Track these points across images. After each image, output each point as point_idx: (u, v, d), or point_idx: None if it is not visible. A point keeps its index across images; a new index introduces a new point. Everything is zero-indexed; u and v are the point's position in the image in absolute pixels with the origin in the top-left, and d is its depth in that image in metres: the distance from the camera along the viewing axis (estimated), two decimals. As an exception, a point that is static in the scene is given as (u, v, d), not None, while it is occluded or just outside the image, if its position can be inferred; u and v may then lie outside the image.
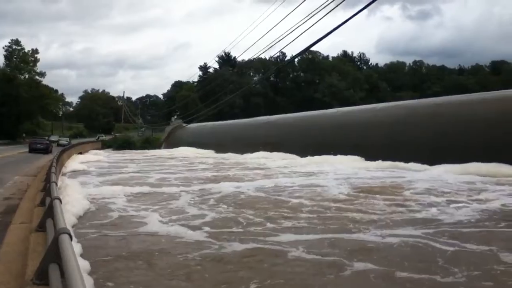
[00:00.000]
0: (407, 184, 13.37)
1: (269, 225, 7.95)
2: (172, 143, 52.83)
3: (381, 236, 7.04)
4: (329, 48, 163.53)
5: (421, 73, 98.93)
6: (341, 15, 64.27)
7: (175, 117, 69.03)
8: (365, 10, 11.88)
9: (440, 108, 23.08)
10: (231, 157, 31.74)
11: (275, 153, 30.25)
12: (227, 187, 13.21)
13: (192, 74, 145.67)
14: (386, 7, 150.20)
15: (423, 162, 19.16)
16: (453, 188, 12.47)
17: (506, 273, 5.21)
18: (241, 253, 6.18)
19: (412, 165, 19.35)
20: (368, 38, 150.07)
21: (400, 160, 20.20)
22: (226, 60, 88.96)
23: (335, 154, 24.38)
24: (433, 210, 9.20)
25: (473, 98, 23.58)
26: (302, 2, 15.12)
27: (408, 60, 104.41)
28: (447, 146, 19.87)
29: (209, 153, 38.43)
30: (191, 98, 76.08)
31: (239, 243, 6.63)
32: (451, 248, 6.27)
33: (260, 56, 54.34)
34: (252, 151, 32.63)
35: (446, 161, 18.08)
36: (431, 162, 18.77)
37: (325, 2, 12.38)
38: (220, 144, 40.22)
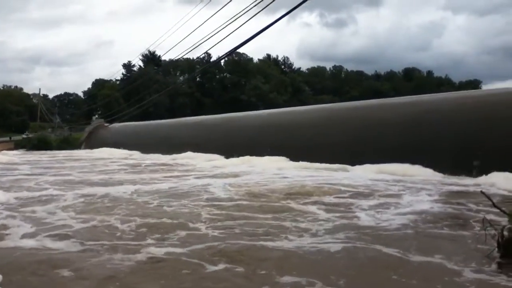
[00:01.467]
0: (327, 184, 14.09)
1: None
2: (93, 144, 50.69)
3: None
4: (254, 51, 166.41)
5: (341, 77, 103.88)
6: (264, 19, 65.62)
7: (96, 116, 66.20)
8: (286, 16, 12.30)
9: (358, 111, 24.62)
10: (155, 158, 31.23)
11: (201, 154, 30.27)
12: (113, 190, 12.78)
13: (114, 72, 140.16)
14: (306, 14, 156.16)
15: (344, 163, 20.35)
16: (371, 188, 13.41)
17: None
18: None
19: (334, 166, 20.46)
20: (290, 43, 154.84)
21: (323, 161, 21.23)
22: (150, 58, 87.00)
23: (260, 155, 24.94)
24: (354, 209, 9.87)
25: (388, 102, 25.44)
26: (225, 5, 15.34)
27: (328, 66, 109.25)
28: (366, 148, 21.22)
29: (134, 153, 37.45)
30: (114, 97, 73.46)
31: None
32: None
33: (186, 57, 53.94)
34: (178, 152, 32.42)
35: (365, 162, 19.38)
36: (352, 163, 19.97)
37: (248, 7, 12.75)
38: (146, 145, 39.37)
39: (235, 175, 17.75)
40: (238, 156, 26.41)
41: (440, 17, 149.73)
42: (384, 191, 12.47)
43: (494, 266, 5.60)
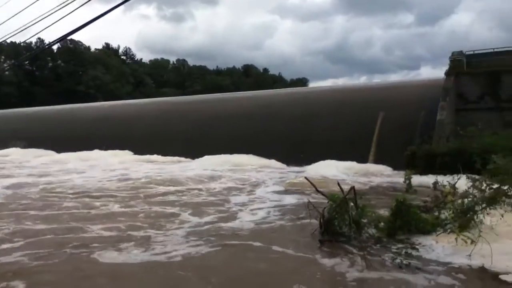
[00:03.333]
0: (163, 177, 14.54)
1: None
2: None
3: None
4: (91, 40, 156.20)
5: (184, 71, 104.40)
6: (100, 7, 62.28)
7: None
8: (122, 6, 12.25)
9: (201, 105, 25.59)
10: None
11: (29, 150, 27.75)
12: None
13: None
14: (143, 6, 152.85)
15: (187, 156, 21.04)
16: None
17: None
18: None
19: (175, 158, 20.98)
20: (129, 34, 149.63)
21: (168, 154, 21.59)
22: (-35, 40, 74.90)
23: (100, 148, 24.08)
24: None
25: (227, 97, 26.95)
26: None
27: (168, 59, 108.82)
28: (207, 140, 22.20)
29: None
30: None
31: None
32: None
33: (12, 40, 48.09)
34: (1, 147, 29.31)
35: (206, 154, 20.36)
36: (194, 156, 20.74)
37: None
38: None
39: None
40: (74, 151, 24.97)
41: (270, 19, 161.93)
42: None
43: (316, 242, 6.68)
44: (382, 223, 7.07)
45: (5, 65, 76.66)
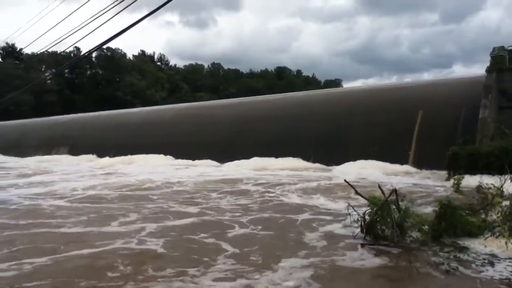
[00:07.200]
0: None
1: None
2: None
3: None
4: (128, 46, 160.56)
5: (218, 75, 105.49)
6: (128, 17, 63.84)
7: None
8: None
9: (239, 108, 25.83)
10: (10, 161, 28.99)
11: (71, 156, 28.82)
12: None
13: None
14: (168, 13, 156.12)
15: (218, 160, 21.32)
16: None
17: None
18: None
19: (211, 162, 21.30)
20: (157, 40, 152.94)
21: (204, 158, 21.93)
22: (10, 52, 78.49)
23: (140, 153, 24.66)
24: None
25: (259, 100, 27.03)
26: (85, 3, 14.94)
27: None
28: (237, 145, 22.39)
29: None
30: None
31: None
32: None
33: (52, 50, 50.01)
34: (45, 153, 30.52)
35: (237, 158, 20.57)
36: (225, 160, 21.03)
37: (108, 6, 12.69)
38: (8, 147, 35.89)
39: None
40: (114, 156, 25.76)
41: (293, 22, 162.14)
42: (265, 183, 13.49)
43: (357, 246, 6.57)
44: (426, 226, 6.89)
45: (46, 74, 79.71)
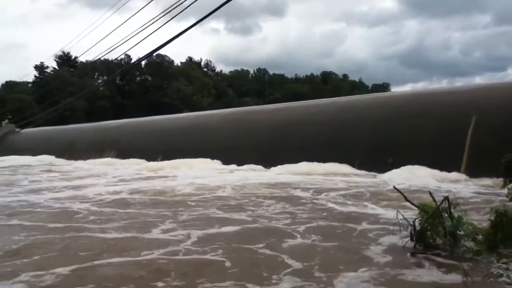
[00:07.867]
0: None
1: None
2: (3, 150, 47.40)
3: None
4: (175, 53, 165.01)
5: (264, 80, 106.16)
6: (176, 25, 65.24)
7: (7, 121, 61.54)
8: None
9: (284, 113, 25.82)
10: (65, 164, 30.31)
11: (120, 160, 29.78)
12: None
13: (25, 74, 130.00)
14: (214, 21, 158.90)
15: (264, 165, 21.37)
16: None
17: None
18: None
19: (256, 167, 21.37)
20: (203, 48, 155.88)
21: (249, 163, 22.04)
22: (66, 60, 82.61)
23: (187, 157, 25.11)
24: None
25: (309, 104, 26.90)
26: (137, 12, 15.59)
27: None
28: (282, 149, 22.33)
29: (45, 159, 35.74)
30: (25, 100, 68.86)
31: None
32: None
33: (104, 58, 52.22)
34: (97, 157, 31.75)
35: (282, 163, 20.54)
36: (270, 164, 21.03)
37: (157, 16, 13.11)
38: (62, 150, 37.67)
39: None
40: (162, 160, 26.44)
41: (338, 27, 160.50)
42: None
43: (407, 254, 6.38)
44: (480, 236, 6.61)
45: (99, 81, 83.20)
